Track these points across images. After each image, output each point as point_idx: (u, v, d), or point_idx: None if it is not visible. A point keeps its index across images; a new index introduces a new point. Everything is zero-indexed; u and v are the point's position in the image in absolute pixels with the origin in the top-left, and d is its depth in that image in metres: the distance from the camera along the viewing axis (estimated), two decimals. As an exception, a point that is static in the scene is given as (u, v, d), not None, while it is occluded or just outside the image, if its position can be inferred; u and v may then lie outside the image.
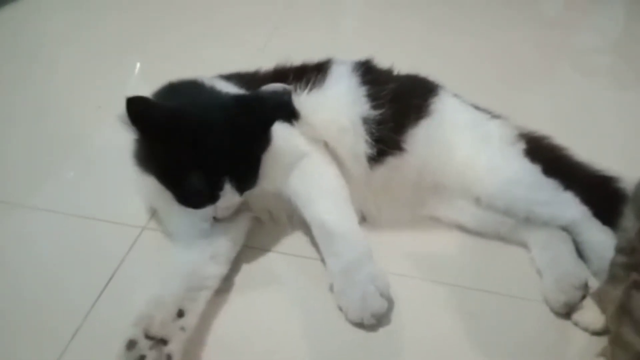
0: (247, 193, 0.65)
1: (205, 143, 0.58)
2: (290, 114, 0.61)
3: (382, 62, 0.84)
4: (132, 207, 0.77)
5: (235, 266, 0.70)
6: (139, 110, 0.56)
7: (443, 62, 1.21)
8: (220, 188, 0.60)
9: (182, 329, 0.58)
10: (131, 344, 0.52)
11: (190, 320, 0.60)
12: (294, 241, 0.75)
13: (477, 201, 0.76)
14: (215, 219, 0.65)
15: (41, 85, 1.09)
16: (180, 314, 0.58)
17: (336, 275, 0.64)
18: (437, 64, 1.06)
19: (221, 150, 0.58)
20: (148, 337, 0.54)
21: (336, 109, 0.71)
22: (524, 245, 0.76)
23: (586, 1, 1.73)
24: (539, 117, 0.95)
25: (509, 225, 0.75)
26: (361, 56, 0.82)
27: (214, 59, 0.78)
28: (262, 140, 0.63)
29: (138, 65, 1.20)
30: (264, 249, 0.74)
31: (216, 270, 0.65)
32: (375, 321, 0.63)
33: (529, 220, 0.74)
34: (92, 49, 1.23)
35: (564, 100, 1.16)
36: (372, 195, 0.75)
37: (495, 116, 0.83)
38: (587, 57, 1.39)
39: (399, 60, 0.84)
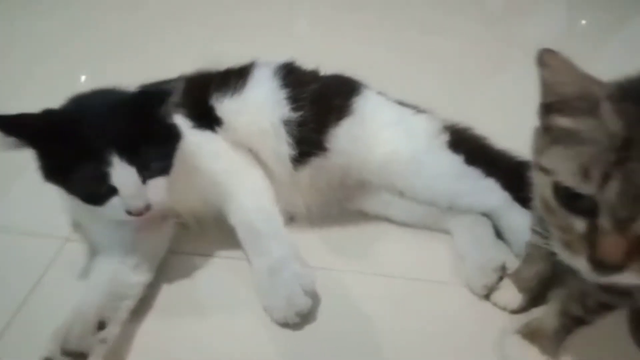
0: (163, 196, 0.61)
1: (82, 131, 0.56)
2: (163, 98, 0.59)
3: (327, 61, 0.83)
4: (54, 218, 0.75)
5: (161, 272, 0.70)
6: (6, 125, 0.54)
7: (389, 60, 1.23)
8: (108, 165, 0.55)
9: (103, 341, 0.57)
10: None
11: (112, 331, 0.59)
12: (222, 244, 0.75)
13: (402, 194, 0.78)
14: (132, 214, 0.59)
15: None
16: (101, 325, 0.58)
17: (261, 275, 0.65)
18: (383, 62, 1.10)
19: (100, 135, 0.56)
20: (65, 353, 0.53)
21: (256, 112, 0.72)
22: (448, 232, 0.79)
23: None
24: (485, 110, 0.98)
25: (433, 214, 0.78)
26: (311, 57, 0.82)
27: (157, 64, 0.79)
28: (155, 122, 0.60)
29: (83, 77, 1.19)
30: (191, 254, 0.74)
31: (139, 278, 0.65)
32: (300, 320, 0.64)
33: (452, 209, 0.77)
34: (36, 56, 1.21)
35: (511, 92, 1.17)
36: (299, 195, 0.77)
37: (420, 111, 0.85)
38: (532, 51, 1.45)
39: (343, 60, 0.83)
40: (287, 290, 0.63)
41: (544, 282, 0.68)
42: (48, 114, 0.58)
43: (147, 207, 0.58)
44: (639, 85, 0.44)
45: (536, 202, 0.48)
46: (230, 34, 1.35)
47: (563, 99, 0.43)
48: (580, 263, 0.41)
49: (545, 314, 0.62)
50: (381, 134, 0.78)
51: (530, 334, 0.62)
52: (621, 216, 0.38)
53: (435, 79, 1.19)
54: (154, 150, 0.59)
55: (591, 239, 0.40)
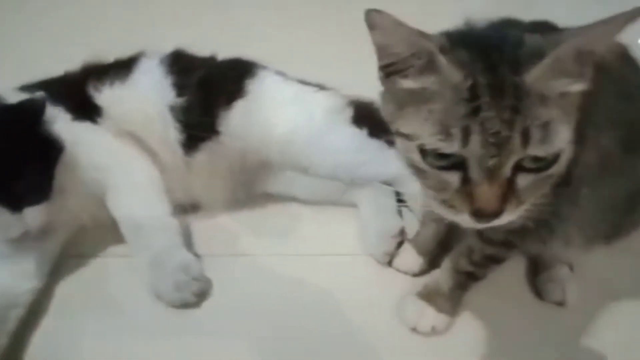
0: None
1: None
2: (37, 112, 0.58)
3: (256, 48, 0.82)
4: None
5: (56, 277, 0.68)
6: None
7: (294, 43, 1.18)
8: None
9: None
10: None
11: (0, 341, 0.57)
12: (120, 242, 0.71)
13: (305, 172, 0.77)
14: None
15: None
16: None
17: (147, 268, 0.64)
18: (288, 46, 1.09)
19: None
20: None
21: (141, 99, 0.70)
22: (354, 205, 0.78)
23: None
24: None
25: (338, 189, 0.78)
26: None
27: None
28: (29, 147, 0.59)
29: None
30: (87, 256, 0.71)
31: (27, 285, 0.63)
32: (196, 298, 0.64)
33: (355, 182, 0.77)
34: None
35: None
36: (199, 181, 0.75)
37: (323, 88, 0.85)
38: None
39: (241, 43, 0.82)
40: (174, 280, 0.63)
41: (440, 244, 0.69)
42: None
43: (25, 233, 0.58)
44: (464, 32, 0.45)
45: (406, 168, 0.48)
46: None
47: (399, 59, 0.43)
48: (462, 217, 0.42)
49: (440, 274, 0.63)
50: (279, 114, 0.77)
51: (427, 295, 0.63)
52: (489, 165, 0.39)
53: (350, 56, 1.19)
54: (30, 177, 0.57)
55: (467, 192, 0.40)
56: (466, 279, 0.61)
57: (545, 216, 0.48)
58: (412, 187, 0.76)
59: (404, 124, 0.43)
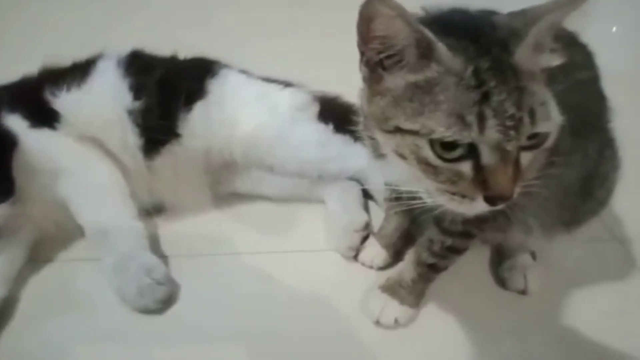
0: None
1: None
2: None
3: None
4: None
5: (20, 284, 0.67)
6: None
7: (271, 38, 1.18)
8: None
9: None
10: None
11: None
12: (86, 246, 0.71)
13: (271, 169, 0.77)
14: None
15: None
16: None
17: (110, 272, 0.63)
18: (257, 43, 1.08)
19: None
20: None
21: (97, 103, 0.69)
22: (321, 201, 0.78)
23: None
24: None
25: (305, 185, 0.78)
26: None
27: None
28: None
29: None
30: (53, 260, 0.70)
31: None
32: (160, 305, 0.63)
33: (321, 177, 0.77)
34: None
35: None
36: (163, 185, 0.74)
37: (288, 85, 0.84)
38: None
39: (208, 42, 0.82)
40: (137, 284, 0.62)
41: (404, 237, 0.69)
42: None
43: None
44: (434, 19, 0.43)
45: (398, 168, 0.45)
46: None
47: (398, 50, 0.41)
48: (475, 205, 0.41)
49: (403, 267, 0.63)
50: (243, 112, 0.76)
51: (390, 287, 0.63)
52: (508, 148, 0.39)
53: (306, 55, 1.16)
54: None
55: (481, 179, 0.40)
56: (428, 271, 0.61)
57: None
58: (377, 181, 0.77)
59: (405, 120, 0.41)
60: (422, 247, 0.59)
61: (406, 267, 0.62)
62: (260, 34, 1.21)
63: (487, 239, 0.64)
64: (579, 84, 0.52)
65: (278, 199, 0.79)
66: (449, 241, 0.57)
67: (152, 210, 0.75)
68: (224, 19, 1.29)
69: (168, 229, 0.75)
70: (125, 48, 0.78)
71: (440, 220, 0.55)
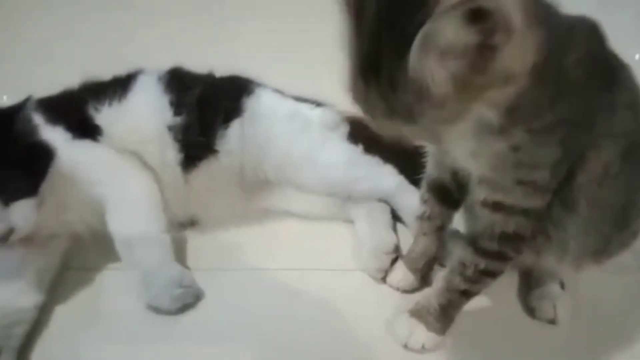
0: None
1: None
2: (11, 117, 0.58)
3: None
4: None
5: (55, 291, 0.68)
6: None
7: (292, 60, 1.17)
8: None
9: None
10: None
11: (7, 359, 0.57)
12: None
13: (301, 188, 0.77)
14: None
15: None
16: None
17: (139, 286, 0.65)
18: (285, 63, 1.09)
19: None
20: None
21: (138, 119, 0.70)
22: (350, 221, 0.78)
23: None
24: None
25: (334, 205, 0.78)
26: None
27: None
28: (8, 143, 0.58)
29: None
30: (87, 269, 0.71)
31: (30, 301, 0.63)
32: (190, 305, 0.66)
33: (351, 198, 0.77)
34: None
35: None
36: (197, 198, 0.75)
37: (319, 105, 0.85)
38: None
39: (245, 62, 0.83)
40: (169, 295, 0.63)
41: (431, 262, 0.69)
42: None
43: (10, 231, 0.57)
44: None
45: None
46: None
47: None
48: None
49: (431, 293, 0.62)
50: (275, 131, 0.77)
51: (418, 313, 0.62)
52: None
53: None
54: (13, 171, 0.56)
55: None
56: (459, 297, 0.59)
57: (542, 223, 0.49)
58: (407, 203, 0.77)
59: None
60: (454, 273, 0.58)
61: (435, 293, 0.61)
62: (289, 50, 1.21)
63: (521, 260, 0.63)
64: (636, 108, 0.52)
65: (307, 217, 0.79)
66: (483, 264, 0.55)
67: (184, 224, 0.76)
68: (253, 35, 1.31)
69: (197, 242, 0.76)
70: (144, 61, 0.79)
71: (475, 238, 0.54)
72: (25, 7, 1.35)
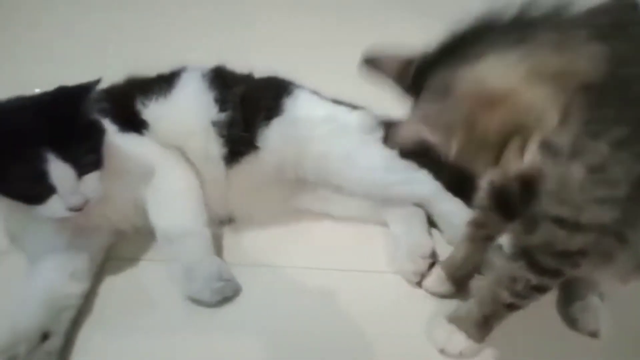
0: (96, 192, 0.61)
1: (16, 131, 0.56)
2: (83, 94, 0.60)
3: (288, 64, 0.82)
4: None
5: (99, 280, 0.69)
6: None
7: (329, 60, 1.15)
8: (44, 164, 0.56)
9: (49, 353, 0.58)
10: None
11: (56, 342, 0.60)
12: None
13: (338, 189, 0.77)
14: (76, 210, 0.60)
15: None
16: (45, 337, 0.59)
17: (180, 278, 0.65)
18: (320, 64, 1.09)
19: (32, 136, 0.56)
20: None
21: (184, 114, 0.71)
22: (385, 224, 0.78)
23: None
24: None
25: (370, 207, 0.78)
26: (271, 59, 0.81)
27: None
28: (79, 120, 0.60)
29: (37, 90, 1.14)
30: (128, 258, 0.72)
31: (77, 287, 0.64)
32: (229, 298, 0.67)
33: (387, 201, 0.77)
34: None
35: None
36: (236, 195, 0.75)
37: (355, 108, 0.85)
38: None
39: (281, 63, 0.83)
40: (209, 289, 0.64)
41: (472, 270, 0.67)
42: None
43: (86, 202, 0.59)
44: None
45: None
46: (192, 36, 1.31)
47: None
48: None
49: (472, 302, 0.61)
50: (314, 132, 0.77)
51: (458, 320, 0.62)
52: None
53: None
54: (83, 145, 0.59)
55: None
56: (503, 310, 0.57)
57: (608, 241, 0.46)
58: (443, 209, 0.76)
59: None
60: (500, 286, 0.55)
61: (478, 303, 0.59)
62: (324, 52, 1.21)
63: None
64: None
65: (343, 219, 0.79)
66: (535, 279, 0.52)
67: (222, 221, 0.76)
68: (288, 37, 1.31)
69: (233, 239, 0.76)
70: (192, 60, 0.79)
71: (530, 253, 0.51)
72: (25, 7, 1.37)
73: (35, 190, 0.58)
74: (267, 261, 0.73)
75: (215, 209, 0.74)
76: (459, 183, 0.79)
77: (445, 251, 0.71)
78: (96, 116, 0.64)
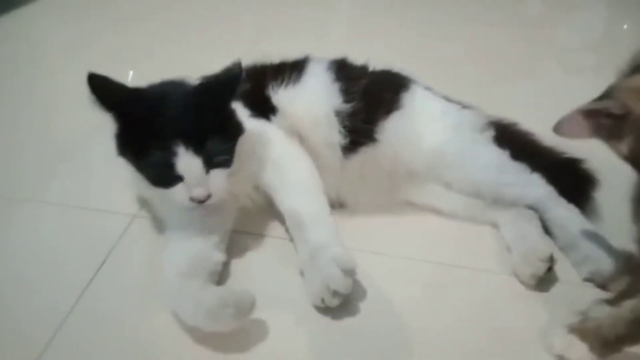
0: (224, 181, 0.62)
1: (159, 116, 0.58)
2: (234, 87, 0.62)
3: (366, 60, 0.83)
4: (122, 197, 0.78)
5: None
6: (98, 85, 0.58)
7: (430, 59, 1.21)
8: (174, 156, 0.58)
9: None
10: None
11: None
12: (275, 224, 0.76)
13: (449, 186, 0.77)
14: (197, 202, 0.61)
15: (44, 92, 1.14)
16: None
17: (304, 261, 0.65)
18: (424, 62, 1.08)
19: (170, 126, 0.58)
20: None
21: (310, 102, 0.73)
22: (494, 224, 0.77)
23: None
24: (521, 111, 0.92)
25: (479, 206, 0.76)
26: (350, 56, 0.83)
27: (205, 66, 0.77)
28: (223, 115, 0.62)
29: (131, 73, 1.16)
30: (248, 232, 0.75)
31: (220, 257, 0.67)
32: (338, 302, 0.62)
33: (497, 201, 0.75)
34: (90, 59, 1.25)
35: (547, 96, 1.14)
36: (348, 183, 0.76)
37: (466, 106, 0.84)
38: (571, 56, 1.37)
39: (386, 58, 0.84)
40: (324, 272, 0.61)
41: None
42: (137, 92, 0.61)
43: (208, 196, 0.61)
44: None
45: None
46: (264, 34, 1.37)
47: None
48: None
49: (609, 319, 0.57)
50: (429, 128, 0.77)
51: (582, 331, 0.58)
52: None
53: (472, 78, 1.17)
54: (219, 143, 0.60)
55: None
56: None
57: None
58: (557, 214, 0.74)
59: None
60: None
61: (613, 321, 0.56)
62: (435, 50, 1.24)
63: None
64: None
65: (449, 215, 0.78)
66: None
67: (333, 205, 0.76)
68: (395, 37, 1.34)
69: (339, 223, 0.75)
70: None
71: None
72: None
73: (163, 176, 0.60)
74: (371, 248, 0.73)
75: (329, 194, 0.75)
76: (574, 189, 0.78)
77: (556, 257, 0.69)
78: (237, 116, 0.65)
